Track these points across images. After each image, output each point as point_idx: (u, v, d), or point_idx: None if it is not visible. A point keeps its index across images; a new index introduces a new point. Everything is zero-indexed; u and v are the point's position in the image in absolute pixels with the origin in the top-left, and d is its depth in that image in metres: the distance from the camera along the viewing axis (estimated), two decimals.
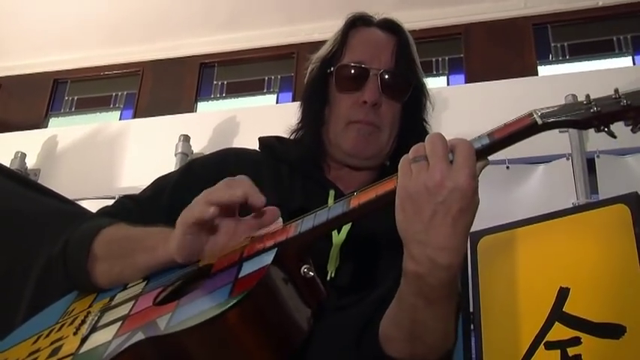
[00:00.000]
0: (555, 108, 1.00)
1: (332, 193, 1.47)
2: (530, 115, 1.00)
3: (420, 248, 1.03)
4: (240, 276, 1.06)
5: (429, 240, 1.01)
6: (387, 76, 1.51)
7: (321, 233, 1.12)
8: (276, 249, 1.10)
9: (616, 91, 0.98)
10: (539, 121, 0.99)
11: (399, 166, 1.04)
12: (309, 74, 1.66)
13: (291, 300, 1.07)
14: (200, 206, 1.17)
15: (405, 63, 1.56)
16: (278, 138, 1.65)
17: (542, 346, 2.10)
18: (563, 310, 2.11)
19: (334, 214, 1.10)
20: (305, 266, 1.10)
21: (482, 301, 2.31)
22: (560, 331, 2.09)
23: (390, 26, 1.61)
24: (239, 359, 1.00)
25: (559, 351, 2.06)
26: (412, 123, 1.57)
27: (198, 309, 1.01)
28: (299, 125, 1.65)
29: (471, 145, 1.02)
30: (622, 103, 0.96)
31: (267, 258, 1.07)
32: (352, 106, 1.51)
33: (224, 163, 1.54)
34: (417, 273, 1.06)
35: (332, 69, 1.56)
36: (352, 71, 1.53)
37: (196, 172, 1.53)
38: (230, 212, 1.22)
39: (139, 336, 1.02)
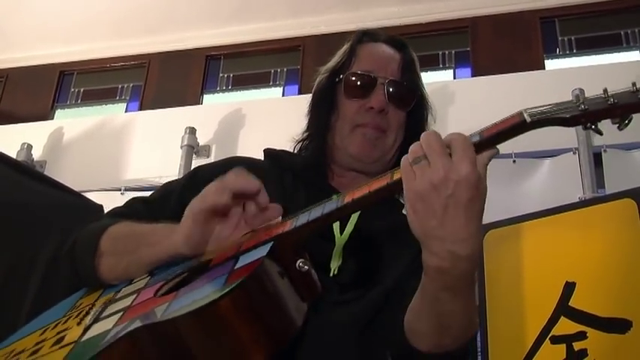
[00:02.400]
0: (545, 107, 1.03)
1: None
2: (520, 113, 1.02)
3: (438, 244, 1.04)
4: (235, 267, 1.09)
5: (446, 234, 1.03)
6: (393, 86, 1.56)
7: (317, 228, 1.14)
8: (271, 243, 1.12)
9: (605, 90, 1.00)
10: (528, 119, 1.01)
11: (402, 169, 1.06)
12: (316, 85, 1.70)
13: (285, 293, 1.09)
14: (214, 192, 1.21)
15: (410, 75, 1.61)
16: (283, 150, 1.69)
17: (547, 340, 2.10)
18: (569, 304, 2.11)
19: (329, 210, 1.13)
20: (300, 260, 1.12)
21: (487, 295, 2.31)
22: (565, 326, 2.09)
23: (396, 43, 1.66)
24: (232, 347, 1.01)
25: (565, 345, 2.06)
26: (415, 133, 1.60)
27: (194, 297, 1.03)
28: (306, 132, 1.69)
29: (465, 136, 1.04)
30: (609, 102, 0.99)
31: (263, 251, 1.10)
32: (359, 110, 1.56)
33: (229, 170, 1.57)
34: (440, 268, 1.07)
35: (341, 76, 1.60)
36: (360, 79, 1.57)
37: (203, 177, 1.57)
38: (238, 204, 1.25)
39: (137, 323, 1.04)
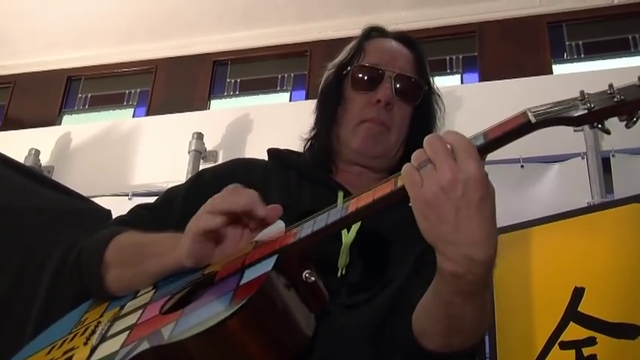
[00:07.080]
0: (549, 106, 1.00)
1: (340, 194, 1.49)
2: (524, 113, 1.00)
3: (454, 249, 1.01)
4: (241, 283, 1.08)
5: (461, 238, 1.00)
6: (400, 79, 1.57)
7: (321, 238, 1.13)
8: (276, 255, 1.11)
9: (610, 86, 0.98)
10: (533, 120, 0.99)
11: (405, 177, 1.03)
12: (324, 80, 1.71)
13: (292, 305, 1.09)
14: (207, 216, 1.20)
15: (418, 70, 1.63)
16: (286, 149, 1.69)
17: (556, 345, 2.09)
18: (578, 309, 2.11)
19: (333, 220, 1.11)
20: (306, 271, 1.12)
21: (496, 300, 2.30)
22: (575, 331, 2.08)
23: (406, 40, 1.68)
24: None
25: (574, 351, 2.06)
26: (421, 129, 1.59)
27: (201, 317, 1.02)
28: (312, 127, 1.69)
29: (465, 137, 1.02)
30: (615, 99, 0.96)
31: (268, 265, 1.09)
32: (365, 105, 1.56)
33: (233, 171, 1.58)
34: (455, 273, 1.04)
35: (349, 68, 1.61)
36: (368, 71, 1.58)
37: (206, 181, 1.58)
38: (237, 219, 1.24)
39: (144, 345, 1.04)
